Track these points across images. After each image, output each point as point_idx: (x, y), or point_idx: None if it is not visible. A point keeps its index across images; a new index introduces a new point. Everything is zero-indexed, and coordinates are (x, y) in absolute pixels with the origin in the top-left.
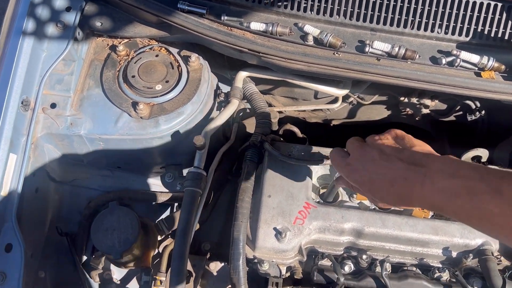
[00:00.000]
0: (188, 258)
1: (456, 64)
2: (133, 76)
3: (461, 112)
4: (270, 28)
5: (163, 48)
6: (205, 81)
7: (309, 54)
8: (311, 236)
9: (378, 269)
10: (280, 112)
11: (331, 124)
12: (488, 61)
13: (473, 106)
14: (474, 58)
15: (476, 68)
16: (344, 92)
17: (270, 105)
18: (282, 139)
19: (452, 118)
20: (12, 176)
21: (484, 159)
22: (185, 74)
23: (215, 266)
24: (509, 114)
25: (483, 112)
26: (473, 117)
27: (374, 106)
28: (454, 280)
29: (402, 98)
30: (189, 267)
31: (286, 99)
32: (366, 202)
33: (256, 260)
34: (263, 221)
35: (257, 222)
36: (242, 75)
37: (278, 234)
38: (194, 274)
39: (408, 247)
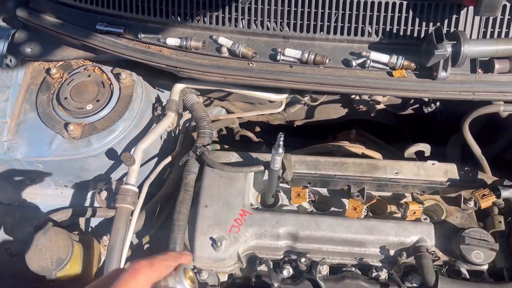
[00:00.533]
0: None
1: (367, 65)
2: (66, 98)
3: (417, 105)
4: (185, 42)
5: (97, 68)
6: (137, 96)
7: (223, 66)
8: (249, 243)
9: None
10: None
11: (294, 125)
12: (397, 60)
13: (426, 99)
14: (384, 57)
15: (388, 68)
16: (282, 96)
17: (227, 111)
18: (218, 147)
19: (410, 111)
20: None
21: (427, 154)
22: (117, 91)
23: None
24: (462, 106)
25: (437, 103)
26: (429, 109)
27: (330, 105)
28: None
29: (353, 96)
30: None
31: (244, 104)
32: (305, 205)
33: (195, 270)
34: (199, 231)
35: (194, 233)
36: (178, 87)
37: (214, 243)
38: None
39: (345, 248)
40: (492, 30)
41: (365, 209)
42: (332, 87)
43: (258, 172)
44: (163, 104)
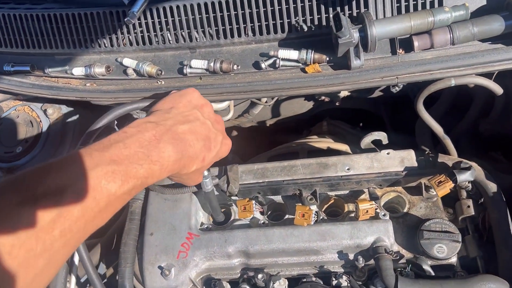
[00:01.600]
0: None
1: (277, 65)
2: None
3: (385, 86)
4: (89, 70)
5: (26, 106)
6: (69, 129)
7: (130, 89)
8: (201, 266)
9: (276, 285)
10: None
11: (267, 125)
12: (306, 54)
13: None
14: (293, 54)
15: (301, 64)
16: (223, 105)
17: None
18: None
19: (379, 93)
20: None
21: (384, 142)
22: (47, 128)
23: None
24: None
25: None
26: (397, 89)
27: (293, 100)
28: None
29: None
30: None
31: None
32: (258, 216)
33: None
34: (147, 261)
35: (142, 263)
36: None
37: (163, 272)
38: None
39: (301, 258)
40: (406, 3)
41: (315, 214)
42: (244, 94)
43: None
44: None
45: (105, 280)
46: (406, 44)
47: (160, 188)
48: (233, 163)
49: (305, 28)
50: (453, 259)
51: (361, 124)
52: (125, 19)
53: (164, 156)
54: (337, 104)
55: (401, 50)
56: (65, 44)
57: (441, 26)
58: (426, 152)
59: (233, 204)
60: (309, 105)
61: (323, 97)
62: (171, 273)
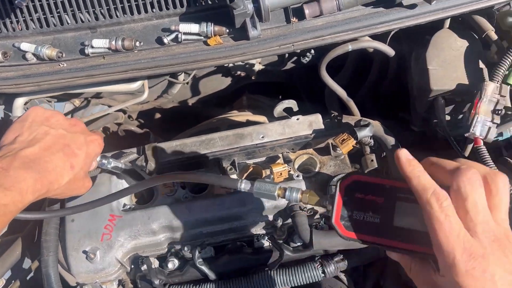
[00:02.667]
0: None
1: (180, 40)
2: None
3: (295, 57)
4: None
5: None
6: None
7: (31, 74)
8: (126, 245)
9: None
10: (124, 111)
11: (189, 104)
12: (207, 27)
13: (298, 50)
14: (194, 27)
15: (203, 38)
16: (137, 84)
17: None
18: None
19: (291, 65)
20: None
21: (295, 109)
22: None
23: None
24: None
25: (312, 52)
26: (307, 59)
27: (211, 77)
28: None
29: (226, 64)
30: None
31: (124, 96)
32: (181, 190)
33: (78, 286)
34: (70, 248)
35: (65, 250)
36: (20, 102)
37: (88, 256)
38: None
39: (225, 225)
40: None
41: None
42: (150, 70)
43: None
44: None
45: (31, 274)
46: (299, 12)
47: None
48: None
49: (203, 2)
50: None
51: (280, 97)
52: (16, 1)
53: (19, 180)
54: (253, 78)
55: (294, 18)
56: None
57: None
58: (333, 115)
59: None
60: (228, 81)
61: (239, 72)
62: (96, 256)
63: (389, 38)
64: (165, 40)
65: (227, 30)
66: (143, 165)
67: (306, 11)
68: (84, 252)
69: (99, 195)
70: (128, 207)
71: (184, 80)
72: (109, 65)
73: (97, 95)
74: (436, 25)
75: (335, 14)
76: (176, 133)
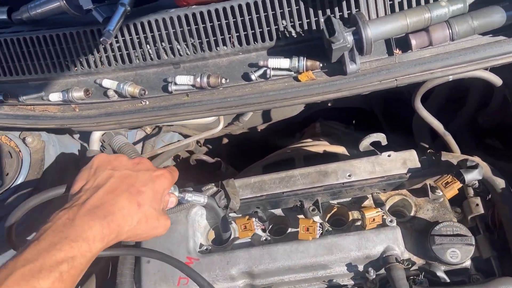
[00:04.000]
0: None
1: (268, 76)
2: None
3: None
4: (67, 95)
5: (3, 136)
6: (50, 158)
7: (113, 112)
8: None
9: None
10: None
11: (258, 130)
12: (298, 62)
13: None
14: (284, 62)
15: (293, 73)
16: (212, 118)
17: (185, 135)
18: None
19: None
20: None
21: (384, 143)
22: (27, 158)
23: None
24: None
25: None
26: None
27: None
28: None
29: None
30: None
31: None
32: (260, 232)
33: None
34: None
35: None
36: (96, 136)
37: None
38: None
39: (309, 274)
40: (399, 0)
41: (320, 227)
42: (236, 109)
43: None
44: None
45: None
46: (403, 43)
47: None
48: (227, 175)
49: (294, 34)
50: (467, 263)
51: (354, 122)
52: (101, 39)
53: (85, 229)
54: (329, 104)
55: (397, 50)
56: (38, 69)
57: (439, 22)
58: (428, 151)
59: (232, 221)
60: (300, 107)
61: None
62: None
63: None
64: (253, 77)
65: (321, 65)
66: (222, 201)
67: (413, 42)
68: None
69: (176, 234)
70: (205, 247)
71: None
72: (193, 103)
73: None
74: None
75: (446, 45)
76: (245, 160)
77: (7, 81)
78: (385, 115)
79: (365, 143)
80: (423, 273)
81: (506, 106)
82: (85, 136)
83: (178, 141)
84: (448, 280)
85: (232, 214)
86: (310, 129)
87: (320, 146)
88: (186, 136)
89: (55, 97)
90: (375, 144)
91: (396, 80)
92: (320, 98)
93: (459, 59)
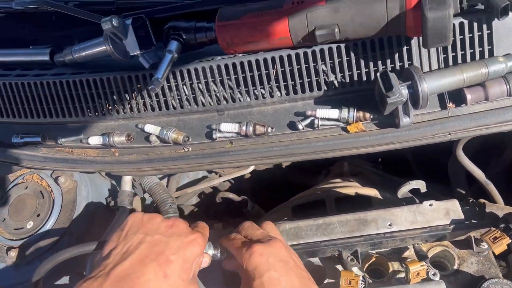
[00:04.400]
0: None
1: (316, 125)
2: (4, 220)
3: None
4: (107, 140)
5: (35, 175)
6: (82, 199)
7: (154, 158)
8: None
9: None
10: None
11: (283, 166)
12: (348, 112)
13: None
14: (333, 113)
15: (341, 123)
16: (249, 169)
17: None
18: None
19: None
20: None
21: (423, 190)
22: (59, 198)
23: None
24: None
25: None
26: None
27: None
28: None
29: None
30: None
31: None
32: None
33: None
34: None
35: None
36: (127, 178)
37: None
38: None
39: None
40: (454, 54)
41: (362, 280)
42: (281, 158)
43: None
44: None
45: None
46: (456, 97)
47: None
48: (254, 214)
49: (343, 85)
50: None
51: (380, 161)
52: (149, 87)
53: None
54: None
55: (451, 103)
56: (79, 112)
57: (495, 77)
58: (471, 200)
59: None
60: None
61: None
62: None
63: None
64: (300, 126)
65: (371, 116)
66: None
67: (468, 97)
68: None
69: None
70: None
71: None
72: (237, 152)
73: None
74: None
75: (503, 100)
76: (270, 197)
77: (45, 123)
78: (416, 159)
79: (404, 189)
80: None
81: None
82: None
83: (204, 177)
84: None
85: None
86: (336, 167)
87: (351, 188)
88: (210, 172)
89: (94, 140)
90: (413, 192)
91: (449, 134)
92: (370, 150)
93: None
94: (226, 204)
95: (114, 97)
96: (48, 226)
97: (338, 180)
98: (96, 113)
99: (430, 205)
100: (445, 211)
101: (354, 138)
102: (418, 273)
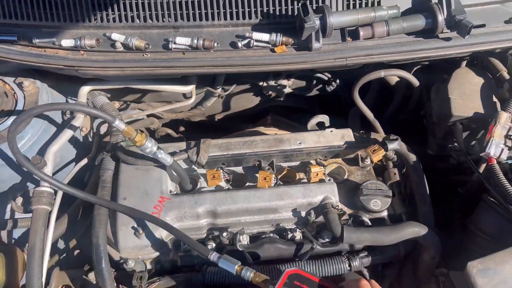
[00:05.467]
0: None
1: (251, 45)
2: None
3: (321, 85)
4: (79, 42)
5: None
6: (42, 102)
7: (119, 59)
8: None
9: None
10: (158, 117)
11: (216, 119)
12: (276, 37)
13: (326, 78)
14: (265, 36)
15: (270, 45)
16: (190, 87)
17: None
18: None
19: (315, 92)
20: None
21: (327, 124)
22: (22, 99)
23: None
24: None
25: (337, 81)
26: (332, 87)
27: (243, 95)
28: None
29: (261, 83)
30: (68, 281)
31: (161, 104)
32: (222, 184)
33: (121, 261)
34: (120, 223)
35: (115, 225)
36: (85, 90)
37: (137, 231)
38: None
39: (262, 216)
40: (353, 2)
41: (275, 179)
42: (223, 68)
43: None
44: None
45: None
46: (353, 34)
47: (132, 159)
48: None
49: (274, 16)
50: (384, 213)
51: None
52: None
53: None
54: (281, 99)
55: (349, 38)
56: (55, 16)
57: (380, 20)
58: (361, 131)
59: (199, 176)
60: (257, 100)
61: (270, 92)
62: (143, 232)
63: (414, 70)
64: (239, 44)
65: (292, 41)
66: (194, 156)
67: (361, 33)
68: (133, 227)
69: (152, 178)
70: (175, 193)
71: (220, 94)
72: (189, 59)
73: (137, 100)
74: (453, 66)
75: (384, 38)
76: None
77: (21, 25)
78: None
79: (313, 122)
80: (351, 218)
81: (420, 106)
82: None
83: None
84: (370, 224)
85: (200, 170)
86: (261, 121)
87: (272, 131)
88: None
89: (67, 43)
90: (320, 125)
91: (346, 59)
92: (289, 68)
93: (392, 49)
94: (164, 141)
95: (86, 5)
96: (11, 121)
97: (261, 127)
98: (70, 19)
99: (331, 131)
100: (341, 135)
101: (278, 56)
102: (317, 174)
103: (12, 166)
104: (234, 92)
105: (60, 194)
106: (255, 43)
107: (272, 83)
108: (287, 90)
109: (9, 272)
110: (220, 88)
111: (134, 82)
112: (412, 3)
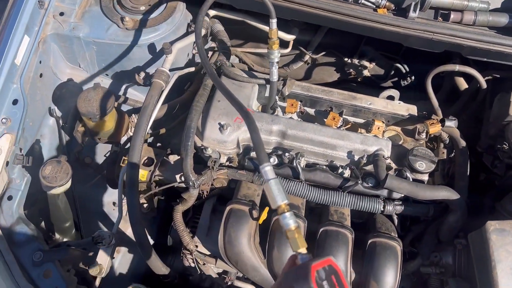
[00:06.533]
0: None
1: (360, 1)
2: None
3: (396, 78)
4: None
5: None
6: (179, 10)
7: None
8: (247, 133)
9: (295, 163)
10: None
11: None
12: (382, 0)
13: (404, 71)
14: None
15: (374, 6)
16: (290, 37)
17: (241, 60)
18: None
19: (390, 83)
20: (24, 52)
21: (396, 99)
22: (165, 1)
23: (173, 158)
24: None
25: (413, 77)
26: (406, 83)
27: (325, 67)
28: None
29: (346, 59)
30: (152, 155)
31: (254, 57)
32: (295, 117)
33: (202, 147)
34: (211, 117)
35: (206, 118)
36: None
37: (222, 127)
38: (155, 161)
39: (321, 149)
40: None
41: (342, 122)
42: (332, 14)
43: (262, 87)
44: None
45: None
46: (445, 15)
47: (233, 74)
48: None
49: None
50: (425, 178)
51: None
52: None
53: None
54: (359, 79)
55: (440, 18)
56: None
57: (470, 10)
58: (424, 112)
59: (278, 106)
60: (336, 76)
61: (351, 70)
62: (227, 130)
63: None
64: None
65: (393, 7)
66: (280, 86)
67: (452, 16)
68: (219, 124)
69: (242, 94)
70: (257, 110)
71: (307, 61)
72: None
73: (238, 46)
74: None
75: (469, 26)
76: None
77: None
78: None
79: (384, 94)
80: (396, 172)
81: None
82: None
83: None
84: (411, 179)
85: (280, 103)
86: None
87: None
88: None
89: None
90: (390, 98)
91: (433, 34)
92: (385, 28)
93: (473, 36)
94: None
95: None
96: (154, 14)
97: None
98: None
99: (399, 102)
100: (407, 108)
101: (379, 15)
102: (378, 128)
103: (144, 49)
104: (319, 63)
105: (172, 80)
106: (363, 1)
107: (355, 61)
108: (366, 73)
109: (116, 126)
110: (307, 56)
111: (251, 18)
112: (502, 4)
